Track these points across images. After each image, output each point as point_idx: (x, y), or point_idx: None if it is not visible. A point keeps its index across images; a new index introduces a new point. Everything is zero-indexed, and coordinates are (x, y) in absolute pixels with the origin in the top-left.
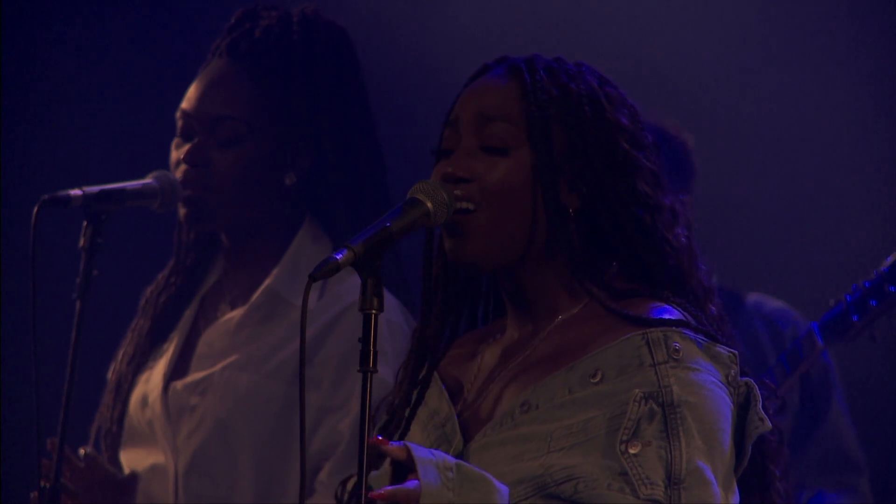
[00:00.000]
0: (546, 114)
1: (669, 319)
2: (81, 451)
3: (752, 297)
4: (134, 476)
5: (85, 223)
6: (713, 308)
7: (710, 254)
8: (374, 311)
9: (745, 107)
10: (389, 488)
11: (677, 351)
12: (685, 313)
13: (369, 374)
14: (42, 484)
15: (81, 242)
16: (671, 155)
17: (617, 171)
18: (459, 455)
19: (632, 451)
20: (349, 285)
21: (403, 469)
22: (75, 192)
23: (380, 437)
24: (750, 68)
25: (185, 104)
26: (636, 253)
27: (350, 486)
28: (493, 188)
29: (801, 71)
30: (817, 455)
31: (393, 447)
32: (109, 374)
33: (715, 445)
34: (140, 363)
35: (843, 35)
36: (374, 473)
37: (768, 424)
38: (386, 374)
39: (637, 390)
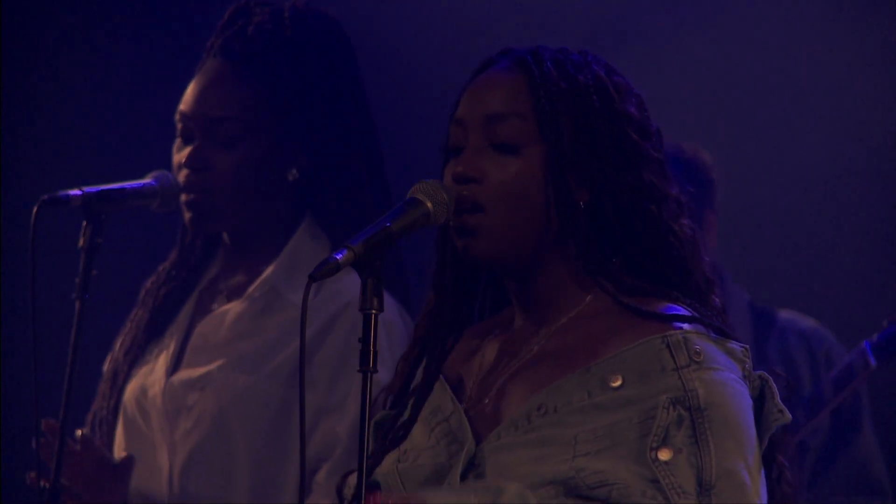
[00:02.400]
0: (556, 108)
1: (685, 316)
2: (78, 433)
3: (785, 314)
4: (130, 459)
5: (84, 223)
6: (716, 300)
7: (743, 272)
8: (374, 311)
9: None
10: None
11: (698, 353)
12: (696, 313)
13: (369, 374)
14: (42, 484)
15: (81, 242)
16: (691, 176)
17: (625, 163)
18: (472, 456)
19: (662, 458)
20: (346, 283)
21: None
22: (75, 192)
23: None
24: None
25: (183, 106)
26: (642, 243)
27: (351, 480)
28: (505, 188)
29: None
30: (844, 477)
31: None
32: (105, 366)
33: (746, 444)
34: (137, 355)
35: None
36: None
37: (788, 416)
38: (383, 375)
39: (664, 396)
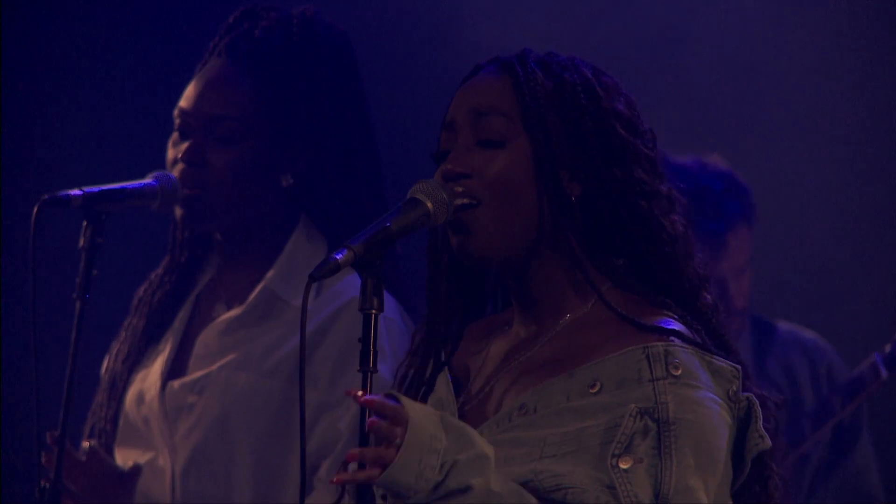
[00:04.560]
0: (540, 103)
1: (672, 330)
2: (85, 444)
3: (785, 326)
4: (136, 469)
5: (85, 223)
6: (707, 296)
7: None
8: (374, 311)
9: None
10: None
11: (676, 367)
12: (687, 327)
13: (369, 374)
14: (42, 484)
15: (81, 242)
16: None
17: (615, 159)
18: None
19: (622, 465)
20: (346, 283)
21: None
22: (75, 192)
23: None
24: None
25: (184, 102)
26: (633, 239)
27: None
28: (494, 180)
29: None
30: (840, 488)
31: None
32: (102, 373)
33: (707, 464)
34: (135, 361)
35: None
36: None
37: (768, 442)
38: (384, 372)
39: (633, 405)
